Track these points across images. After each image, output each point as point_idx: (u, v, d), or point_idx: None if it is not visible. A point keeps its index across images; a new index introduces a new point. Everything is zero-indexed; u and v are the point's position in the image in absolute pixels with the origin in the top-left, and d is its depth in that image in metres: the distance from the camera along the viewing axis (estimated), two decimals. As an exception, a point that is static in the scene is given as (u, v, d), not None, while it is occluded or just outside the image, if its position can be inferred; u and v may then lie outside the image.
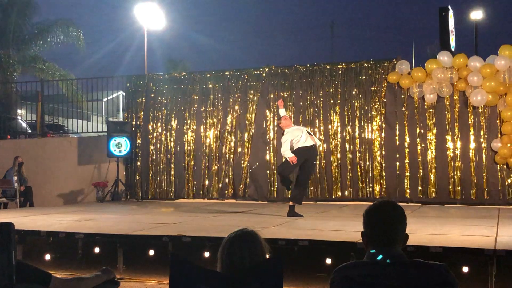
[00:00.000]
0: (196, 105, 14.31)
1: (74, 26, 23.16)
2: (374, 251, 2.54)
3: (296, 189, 9.67)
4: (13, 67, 22.29)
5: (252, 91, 13.85)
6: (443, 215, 9.83)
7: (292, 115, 13.43)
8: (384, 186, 12.66)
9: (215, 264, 2.82)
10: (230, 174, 13.85)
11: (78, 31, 23.09)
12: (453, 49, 15.35)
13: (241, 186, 13.72)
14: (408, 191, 12.48)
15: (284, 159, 9.75)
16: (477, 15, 26.35)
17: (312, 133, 10.10)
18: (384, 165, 12.70)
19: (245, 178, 13.70)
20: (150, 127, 14.66)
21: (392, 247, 2.54)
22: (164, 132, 14.55)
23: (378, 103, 12.83)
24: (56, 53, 25.81)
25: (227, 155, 13.93)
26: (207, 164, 14.08)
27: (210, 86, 14.23)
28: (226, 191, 13.87)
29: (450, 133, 12.30)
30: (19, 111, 22.72)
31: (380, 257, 2.44)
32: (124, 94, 15.98)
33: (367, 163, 12.79)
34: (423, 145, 12.46)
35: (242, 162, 13.72)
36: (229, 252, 2.73)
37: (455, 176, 12.19)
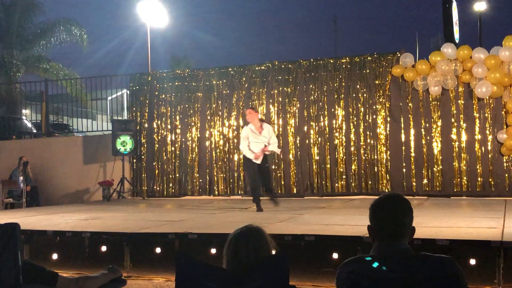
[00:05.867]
0: (200, 102, 14.32)
1: (77, 24, 23.15)
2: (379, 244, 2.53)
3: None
4: (17, 67, 22.31)
5: (256, 87, 13.83)
6: (449, 208, 9.80)
7: (297, 110, 13.41)
8: (390, 180, 12.64)
9: (222, 261, 2.81)
10: (235, 170, 13.86)
11: (81, 29, 23.08)
12: (457, 41, 15.31)
13: (246, 182, 13.71)
14: (414, 184, 12.46)
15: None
16: (480, 6, 26.17)
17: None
18: (389, 158, 12.68)
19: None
20: (154, 125, 14.67)
21: (398, 241, 2.52)
22: (169, 129, 14.56)
23: (382, 97, 12.80)
24: (59, 52, 25.81)
25: (232, 151, 13.93)
26: (212, 160, 14.09)
27: (214, 82, 14.22)
28: (231, 188, 13.88)
29: (456, 125, 12.26)
30: (24, 111, 22.77)
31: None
32: (128, 92, 15.99)
33: (373, 157, 12.77)
34: (428, 137, 12.43)
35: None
36: (235, 249, 2.72)
37: (461, 169, 12.16)
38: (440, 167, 12.33)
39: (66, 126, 21.07)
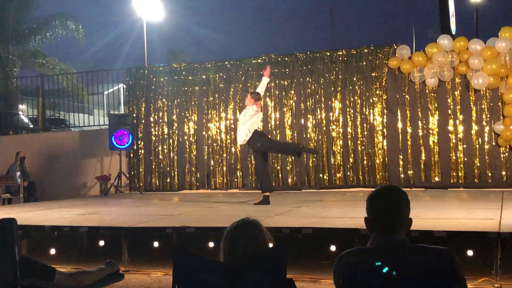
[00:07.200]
0: (197, 96, 14.29)
1: (73, 19, 23.09)
2: (376, 236, 2.53)
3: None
4: (13, 63, 22.27)
5: (252, 80, 13.80)
6: (446, 199, 9.81)
7: (293, 103, 13.40)
8: (387, 172, 12.64)
9: (219, 254, 2.81)
10: (233, 164, 13.85)
11: (77, 24, 23.01)
12: (453, 33, 15.31)
13: (244, 175, 13.72)
14: (411, 176, 12.47)
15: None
16: (477, -3, 26.17)
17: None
18: (386, 150, 12.68)
19: (247, 167, 13.69)
20: (151, 119, 14.65)
21: (395, 233, 2.53)
22: (166, 123, 14.54)
23: (379, 89, 12.79)
24: (55, 47, 25.68)
25: (229, 145, 13.92)
26: (210, 154, 14.08)
27: (211, 76, 14.19)
28: (229, 181, 13.88)
29: (452, 117, 12.26)
30: (20, 106, 22.71)
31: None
32: (125, 86, 15.96)
33: (369, 149, 12.77)
34: (425, 129, 12.43)
35: (244, 151, 13.70)
36: (232, 242, 2.72)
37: (458, 160, 12.17)
38: (437, 158, 12.34)
39: (62, 121, 20.99)
